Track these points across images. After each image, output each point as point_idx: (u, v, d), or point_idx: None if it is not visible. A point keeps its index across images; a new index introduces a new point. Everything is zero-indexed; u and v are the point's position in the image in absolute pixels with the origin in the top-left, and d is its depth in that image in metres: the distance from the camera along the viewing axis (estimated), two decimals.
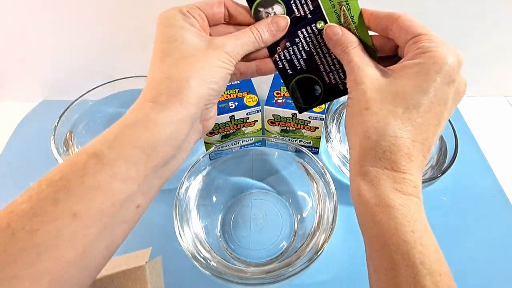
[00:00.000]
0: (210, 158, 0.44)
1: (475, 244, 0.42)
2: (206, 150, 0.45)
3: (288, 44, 0.28)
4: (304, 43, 0.28)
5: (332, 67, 0.29)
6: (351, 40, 0.26)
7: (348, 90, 0.25)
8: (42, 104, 0.63)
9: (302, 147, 0.42)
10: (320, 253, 0.33)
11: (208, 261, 0.35)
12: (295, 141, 0.49)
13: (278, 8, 0.27)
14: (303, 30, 0.28)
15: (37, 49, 0.56)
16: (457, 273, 0.43)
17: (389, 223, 0.20)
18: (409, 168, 0.22)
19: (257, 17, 0.28)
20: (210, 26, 0.27)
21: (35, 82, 0.61)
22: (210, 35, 0.28)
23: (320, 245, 0.35)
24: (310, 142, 0.49)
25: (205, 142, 0.48)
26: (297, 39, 0.28)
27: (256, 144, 0.45)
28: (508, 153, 0.54)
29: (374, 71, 0.24)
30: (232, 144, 0.44)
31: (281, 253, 0.41)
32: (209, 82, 0.24)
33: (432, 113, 0.22)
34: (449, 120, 0.45)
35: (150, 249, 0.35)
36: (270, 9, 0.27)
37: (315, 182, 0.42)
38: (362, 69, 0.24)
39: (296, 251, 0.37)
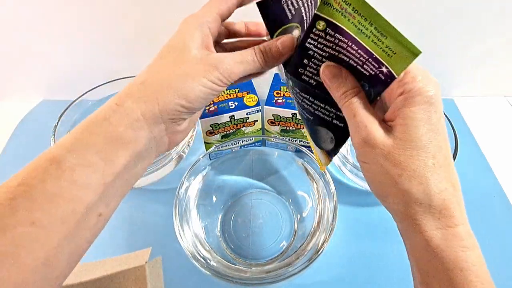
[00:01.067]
0: (210, 158, 0.44)
1: None
2: (206, 150, 0.45)
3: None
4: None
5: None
6: (353, 84, 0.23)
7: (357, 151, 0.23)
8: (42, 104, 0.63)
9: (302, 147, 0.42)
10: (320, 253, 0.33)
11: (208, 261, 0.35)
12: (295, 141, 0.49)
13: (297, 33, 0.25)
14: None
15: (37, 49, 0.56)
16: None
17: None
18: (463, 217, 0.21)
19: None
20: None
21: (35, 82, 0.61)
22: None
23: (320, 245, 0.35)
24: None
25: (205, 142, 0.48)
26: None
27: (256, 144, 0.45)
28: (508, 153, 0.54)
29: (381, 129, 0.22)
30: (232, 144, 0.44)
31: (281, 253, 0.41)
32: (180, 99, 0.23)
33: (446, 148, 0.22)
34: (449, 120, 0.45)
35: (150, 249, 0.35)
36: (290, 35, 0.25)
37: (315, 182, 0.42)
38: (370, 128, 0.22)
39: (296, 251, 0.37)
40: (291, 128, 0.47)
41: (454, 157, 0.41)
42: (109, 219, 0.23)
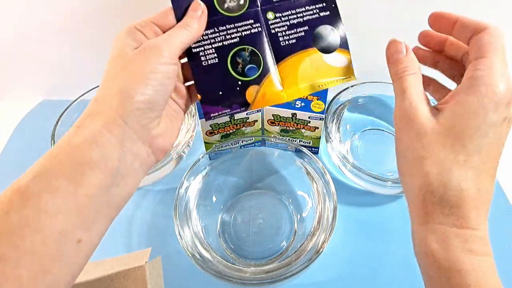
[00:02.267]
0: (210, 158, 0.44)
1: None
2: (206, 150, 0.45)
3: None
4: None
5: None
6: (413, 63, 0.23)
7: (395, 124, 0.23)
8: (42, 104, 0.63)
9: (302, 147, 0.42)
10: (320, 253, 0.33)
11: (208, 261, 0.35)
12: (295, 141, 0.49)
13: None
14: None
15: (37, 49, 0.56)
16: None
17: None
18: (479, 222, 0.20)
19: None
20: None
21: (35, 82, 0.61)
22: None
23: (320, 245, 0.35)
24: (310, 142, 0.49)
25: (205, 142, 0.48)
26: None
27: (256, 144, 0.45)
28: (508, 153, 0.54)
29: (426, 108, 0.21)
30: (232, 144, 0.44)
31: (281, 253, 0.41)
32: (134, 96, 0.22)
33: (492, 156, 0.20)
34: None
35: (150, 249, 0.35)
36: None
37: (315, 182, 0.42)
38: (415, 106, 0.21)
39: (296, 251, 0.37)
40: (291, 128, 0.47)
41: None
42: (97, 244, 0.22)
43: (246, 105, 0.29)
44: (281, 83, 0.29)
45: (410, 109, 0.21)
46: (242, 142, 0.44)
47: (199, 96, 0.28)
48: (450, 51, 0.26)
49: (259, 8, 0.29)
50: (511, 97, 0.20)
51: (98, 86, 0.48)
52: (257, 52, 0.29)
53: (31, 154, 0.58)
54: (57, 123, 0.44)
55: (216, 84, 0.28)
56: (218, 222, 0.44)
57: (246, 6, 0.28)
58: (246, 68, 0.29)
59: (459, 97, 0.20)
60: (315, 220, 0.40)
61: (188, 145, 0.48)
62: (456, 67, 0.26)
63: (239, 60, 0.28)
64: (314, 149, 0.50)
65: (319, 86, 0.30)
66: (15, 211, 0.19)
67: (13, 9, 0.50)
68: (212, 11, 0.27)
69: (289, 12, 0.29)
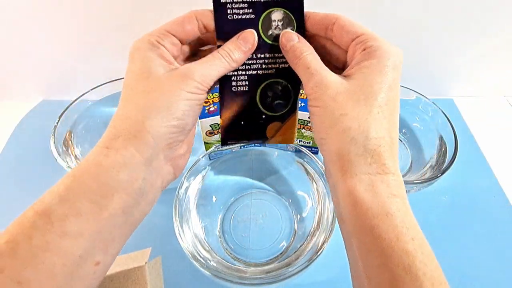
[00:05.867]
0: (210, 158, 0.44)
1: (475, 244, 0.42)
2: (206, 150, 0.45)
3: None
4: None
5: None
6: (307, 46, 0.25)
7: (309, 98, 0.24)
8: (42, 104, 0.63)
9: (302, 147, 0.42)
10: (320, 253, 0.33)
11: (208, 261, 0.35)
12: (295, 141, 0.49)
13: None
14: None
15: (37, 49, 0.56)
16: (456, 273, 0.43)
17: (389, 234, 0.20)
18: (396, 167, 0.22)
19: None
20: (185, 44, 0.26)
21: (35, 82, 0.61)
22: (187, 59, 0.27)
23: (320, 245, 0.35)
24: (310, 142, 0.49)
25: (205, 142, 0.48)
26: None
27: (256, 144, 0.45)
28: (507, 153, 0.54)
29: (334, 75, 0.23)
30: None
31: (280, 253, 0.41)
32: (169, 120, 0.22)
33: (393, 104, 0.23)
34: (449, 120, 0.45)
35: (150, 249, 0.35)
36: None
37: (315, 182, 0.42)
38: (324, 74, 0.23)
39: (296, 251, 0.37)
40: None
41: (454, 157, 0.41)
42: (110, 266, 0.22)
43: (264, 138, 0.28)
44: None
45: (321, 78, 0.23)
46: None
47: (221, 121, 0.27)
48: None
49: None
50: (401, 58, 0.23)
51: (98, 86, 0.49)
52: (290, 88, 0.27)
53: (31, 154, 0.58)
54: (57, 123, 0.44)
55: (241, 112, 0.27)
56: (218, 222, 0.44)
57: None
58: (275, 103, 0.27)
59: (363, 63, 0.23)
60: (315, 220, 0.40)
61: None
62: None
63: (269, 93, 0.27)
64: (314, 149, 0.50)
65: None
66: (39, 236, 0.19)
67: (13, 9, 0.50)
68: None
69: None
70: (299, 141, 0.49)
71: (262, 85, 0.27)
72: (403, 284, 0.19)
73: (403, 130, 0.51)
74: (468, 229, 0.44)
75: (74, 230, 0.19)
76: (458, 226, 0.44)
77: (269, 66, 0.27)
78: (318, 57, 0.24)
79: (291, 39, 0.25)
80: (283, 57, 0.26)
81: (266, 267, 0.38)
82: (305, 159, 0.43)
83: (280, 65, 0.27)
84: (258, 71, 0.26)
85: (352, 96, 0.22)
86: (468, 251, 0.42)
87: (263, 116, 0.27)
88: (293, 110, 0.28)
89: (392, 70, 0.22)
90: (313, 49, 0.25)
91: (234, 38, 0.25)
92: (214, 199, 0.44)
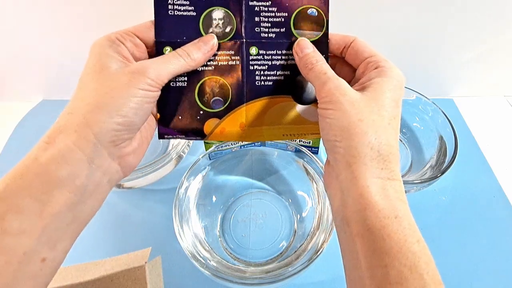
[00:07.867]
0: (209, 158, 0.44)
1: (475, 244, 0.42)
2: (206, 150, 0.45)
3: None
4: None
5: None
6: (321, 57, 0.26)
7: (323, 101, 0.24)
8: (42, 104, 0.63)
9: (302, 147, 0.42)
10: (320, 253, 0.33)
11: (208, 261, 0.35)
12: (295, 141, 0.49)
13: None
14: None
15: (37, 49, 0.56)
16: (457, 273, 0.43)
17: (398, 235, 0.21)
18: (399, 175, 0.23)
19: None
20: (151, 48, 0.26)
21: (35, 82, 0.61)
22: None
23: (319, 245, 0.35)
24: (310, 142, 0.49)
25: (205, 142, 0.48)
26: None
27: (256, 144, 0.45)
28: (508, 153, 0.54)
29: (348, 85, 0.24)
30: (232, 144, 0.44)
31: (280, 253, 0.41)
32: (113, 116, 0.22)
33: (398, 119, 0.25)
34: (449, 120, 0.45)
35: (150, 249, 0.35)
36: None
37: (315, 182, 0.42)
38: (342, 81, 0.24)
39: (295, 251, 0.37)
40: None
41: (454, 157, 0.41)
42: (62, 261, 0.22)
43: (202, 135, 0.28)
44: (245, 122, 0.28)
45: (339, 83, 0.24)
46: (242, 142, 0.44)
47: (158, 114, 0.27)
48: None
49: (244, 40, 0.27)
50: (404, 81, 0.25)
51: None
52: (228, 86, 0.27)
53: None
54: None
55: (178, 107, 0.27)
56: (218, 222, 0.44)
57: (231, 35, 0.27)
58: (212, 99, 0.27)
59: (375, 80, 0.24)
60: (315, 220, 0.40)
61: (188, 145, 0.48)
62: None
63: (208, 90, 0.27)
64: (314, 149, 0.50)
65: (283, 136, 0.29)
66: None
67: (13, 9, 0.50)
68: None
69: (274, 52, 0.27)
70: (299, 141, 0.49)
71: (201, 81, 0.27)
72: (407, 283, 0.20)
73: (403, 130, 0.51)
74: (468, 229, 0.44)
75: (15, 227, 0.19)
76: (458, 226, 0.44)
77: (208, 63, 0.27)
78: (330, 68, 0.26)
79: (306, 47, 0.27)
80: (222, 54, 0.27)
81: (266, 267, 0.38)
82: (305, 159, 0.43)
83: (219, 62, 0.27)
84: (198, 67, 0.27)
85: (367, 105, 0.23)
86: (468, 251, 0.41)
87: (201, 112, 0.27)
88: (231, 107, 0.28)
89: (399, 89, 0.25)
90: (325, 60, 0.26)
91: (195, 41, 0.26)
92: (214, 199, 0.44)
